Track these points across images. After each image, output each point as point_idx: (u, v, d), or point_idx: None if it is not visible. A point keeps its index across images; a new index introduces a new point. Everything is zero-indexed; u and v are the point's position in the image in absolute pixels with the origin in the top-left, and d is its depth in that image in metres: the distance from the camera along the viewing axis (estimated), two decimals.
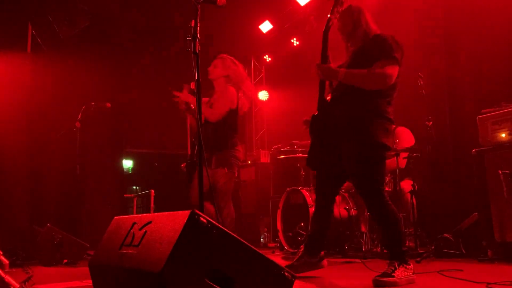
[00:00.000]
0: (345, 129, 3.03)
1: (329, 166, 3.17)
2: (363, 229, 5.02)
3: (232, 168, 4.12)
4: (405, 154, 4.76)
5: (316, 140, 3.21)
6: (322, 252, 3.31)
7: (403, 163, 4.78)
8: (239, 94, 4.23)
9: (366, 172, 2.98)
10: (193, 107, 4.12)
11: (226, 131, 4.17)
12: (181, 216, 1.88)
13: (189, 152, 5.34)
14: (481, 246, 3.99)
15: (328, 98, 3.19)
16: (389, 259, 2.96)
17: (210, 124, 4.16)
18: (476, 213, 4.23)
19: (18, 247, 5.37)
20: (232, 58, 4.37)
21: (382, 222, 3.02)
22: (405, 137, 5.04)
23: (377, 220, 3.13)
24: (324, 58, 3.07)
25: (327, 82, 3.22)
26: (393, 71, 2.92)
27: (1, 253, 4.33)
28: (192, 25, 2.87)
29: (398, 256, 2.92)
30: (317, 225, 3.30)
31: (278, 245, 5.75)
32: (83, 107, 5.68)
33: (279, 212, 5.50)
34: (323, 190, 3.26)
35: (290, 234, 5.29)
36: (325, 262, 3.31)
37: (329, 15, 3.09)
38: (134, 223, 2.16)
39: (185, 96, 4.11)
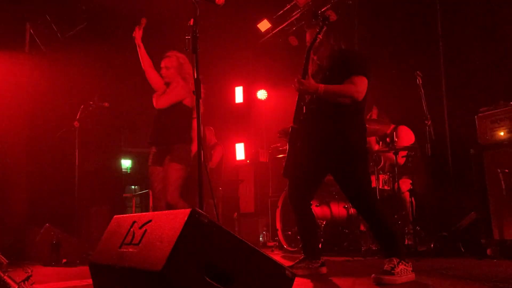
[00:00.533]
0: (326, 140, 3.19)
1: (304, 175, 3.31)
2: (362, 227, 5.03)
3: (184, 163, 4.10)
4: (404, 153, 4.78)
5: (292, 150, 3.34)
6: (323, 258, 3.34)
7: (402, 161, 4.80)
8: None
9: (354, 179, 3.10)
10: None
11: (182, 125, 4.19)
12: (181, 215, 1.88)
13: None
14: (480, 244, 4.00)
15: (304, 110, 3.33)
16: (387, 256, 2.97)
17: (168, 117, 4.19)
18: (475, 212, 4.24)
19: (17, 247, 5.37)
20: (180, 55, 4.36)
21: (373, 223, 3.10)
22: (404, 136, 5.05)
23: (368, 221, 3.20)
24: (305, 73, 3.22)
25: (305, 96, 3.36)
26: (363, 85, 3.11)
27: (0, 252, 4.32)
28: (191, 24, 2.88)
29: (396, 252, 2.94)
30: (306, 232, 3.41)
31: (277, 244, 5.76)
32: (82, 106, 5.66)
33: (278, 211, 5.51)
34: (300, 199, 3.36)
35: (289, 233, 5.30)
36: (324, 268, 3.35)
37: (316, 34, 3.21)
38: (134, 222, 2.16)
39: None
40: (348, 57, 3.23)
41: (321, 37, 3.21)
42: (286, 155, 6.19)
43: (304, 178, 3.32)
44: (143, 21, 4.23)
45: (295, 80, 3.20)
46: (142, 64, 4.35)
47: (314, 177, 3.33)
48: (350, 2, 6.57)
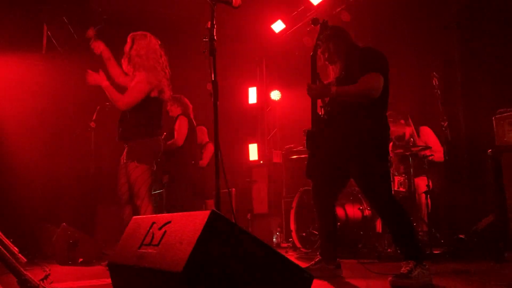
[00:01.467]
0: (346, 141, 3.16)
1: (327, 176, 3.30)
2: (377, 229, 5.00)
3: (145, 161, 3.79)
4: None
5: (313, 152, 3.34)
6: (339, 260, 3.34)
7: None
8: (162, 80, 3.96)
9: (373, 178, 3.08)
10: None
11: (140, 118, 3.85)
12: (201, 216, 1.89)
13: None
14: (498, 248, 3.95)
15: (322, 113, 3.33)
16: (405, 259, 2.95)
17: (127, 110, 3.88)
18: (493, 214, 4.20)
19: (33, 246, 5.44)
20: (146, 33, 4.07)
21: (392, 224, 3.07)
22: (431, 137, 5.07)
23: (387, 222, 3.19)
24: (314, 78, 3.24)
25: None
26: (377, 82, 3.07)
27: (18, 251, 4.39)
28: (209, 26, 2.89)
29: (414, 255, 2.92)
30: (326, 233, 3.40)
31: (291, 245, 5.76)
32: (98, 107, 5.71)
33: (292, 212, 5.50)
34: (324, 200, 3.36)
35: (304, 234, 5.29)
36: (340, 270, 3.34)
37: (316, 40, 3.28)
38: (153, 223, 2.18)
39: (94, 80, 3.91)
40: (362, 55, 3.19)
41: (320, 43, 3.27)
42: (299, 156, 6.25)
43: (328, 180, 3.32)
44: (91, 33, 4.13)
45: (306, 85, 3.21)
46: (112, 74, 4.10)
47: (337, 178, 3.32)
48: (365, 2, 6.54)
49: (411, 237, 3.00)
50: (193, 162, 5.48)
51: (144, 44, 4.01)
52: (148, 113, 3.91)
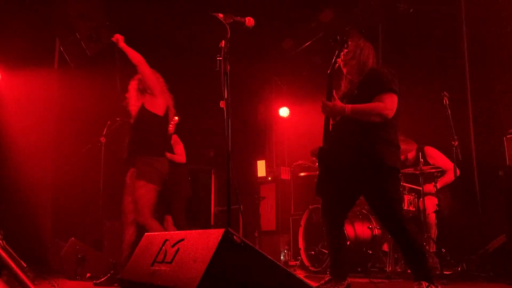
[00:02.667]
0: (357, 159, 3.14)
1: (337, 194, 3.28)
2: (386, 248, 4.96)
3: (151, 181, 3.89)
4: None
5: (324, 170, 3.31)
6: (349, 280, 3.30)
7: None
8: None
9: (385, 198, 3.07)
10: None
11: (151, 138, 4.01)
12: (214, 234, 1.90)
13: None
14: (510, 269, 3.90)
15: (333, 129, 3.32)
16: (416, 279, 2.93)
17: (138, 129, 4.06)
18: (504, 235, 4.15)
19: (42, 260, 5.44)
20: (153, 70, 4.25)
21: (404, 244, 3.05)
22: (435, 156, 5.05)
23: (398, 241, 3.16)
24: (329, 96, 3.21)
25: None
26: (392, 102, 3.06)
27: (25, 265, 4.39)
28: (222, 45, 2.93)
29: (425, 276, 2.91)
30: (336, 252, 3.36)
31: (299, 263, 5.71)
32: (108, 122, 5.75)
33: (301, 230, 5.48)
34: (333, 219, 3.32)
35: (313, 252, 5.25)
36: None
37: (334, 58, 3.25)
38: (166, 240, 2.19)
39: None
40: (377, 75, 3.18)
41: (339, 60, 3.25)
42: (308, 173, 6.23)
43: (338, 198, 3.29)
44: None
45: (321, 102, 3.20)
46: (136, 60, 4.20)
47: (347, 197, 3.30)
48: (375, 23, 6.59)
49: (423, 257, 2.98)
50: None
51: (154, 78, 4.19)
52: (157, 133, 4.05)
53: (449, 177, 5.00)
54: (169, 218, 5.82)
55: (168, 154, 5.20)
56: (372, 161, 3.09)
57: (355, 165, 3.17)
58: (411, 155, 5.21)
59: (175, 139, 5.90)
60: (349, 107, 3.10)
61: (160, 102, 4.12)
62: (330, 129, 3.31)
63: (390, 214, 3.05)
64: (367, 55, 3.29)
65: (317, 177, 3.32)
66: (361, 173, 3.13)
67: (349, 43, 3.27)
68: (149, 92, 4.15)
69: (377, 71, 3.24)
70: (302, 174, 6.56)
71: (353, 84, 3.34)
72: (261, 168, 8.48)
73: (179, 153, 5.91)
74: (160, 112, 4.09)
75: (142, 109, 4.12)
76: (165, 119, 4.12)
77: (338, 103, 3.16)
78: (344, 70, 3.37)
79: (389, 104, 3.05)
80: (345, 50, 3.25)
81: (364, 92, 3.17)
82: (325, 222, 3.36)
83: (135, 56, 4.11)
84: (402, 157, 5.23)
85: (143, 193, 3.85)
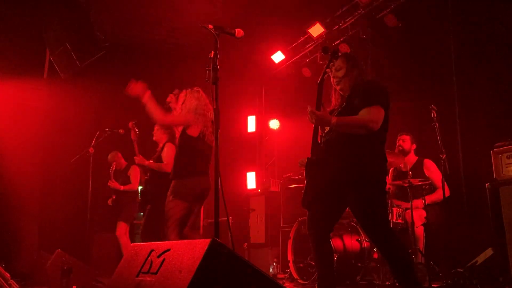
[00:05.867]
0: (343, 171, 3.14)
1: (323, 206, 3.26)
2: (375, 261, 4.95)
3: (179, 197, 4.05)
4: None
5: (310, 181, 3.30)
6: None
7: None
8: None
9: (370, 209, 3.06)
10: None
11: (183, 159, 4.17)
12: (200, 245, 1.88)
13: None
14: (498, 282, 3.92)
15: (321, 141, 3.33)
16: None
17: (177, 152, 4.25)
18: (491, 248, 4.17)
19: (28, 272, 5.36)
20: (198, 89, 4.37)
21: (390, 256, 3.05)
22: (433, 170, 5.10)
23: (384, 253, 3.15)
24: (318, 105, 3.24)
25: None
26: (378, 115, 3.06)
27: (9, 277, 4.32)
28: (212, 56, 2.94)
29: (412, 287, 2.90)
30: (323, 265, 3.33)
31: (288, 276, 5.68)
32: (97, 133, 5.73)
33: (290, 242, 5.46)
34: (319, 231, 3.30)
35: (301, 265, 5.23)
36: None
37: (324, 68, 3.30)
38: (152, 250, 2.16)
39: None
40: (365, 88, 3.20)
41: (329, 71, 3.28)
42: (298, 185, 6.23)
43: (324, 210, 3.28)
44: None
45: (308, 111, 3.17)
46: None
47: (333, 209, 3.28)
48: (364, 36, 6.67)
49: (410, 269, 2.97)
50: None
51: (195, 98, 4.28)
52: (193, 153, 4.17)
53: (438, 195, 5.04)
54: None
55: (153, 164, 5.29)
56: (357, 173, 3.09)
57: (340, 177, 3.16)
58: (410, 166, 5.24)
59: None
60: (334, 119, 3.10)
61: (193, 125, 4.21)
62: (319, 141, 3.31)
63: (377, 225, 3.05)
64: (358, 70, 3.31)
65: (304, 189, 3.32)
66: (346, 185, 3.13)
67: (339, 58, 3.30)
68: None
69: (365, 84, 3.26)
70: (292, 186, 6.56)
71: (343, 98, 3.35)
72: (251, 180, 8.47)
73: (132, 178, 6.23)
74: (194, 134, 4.18)
75: (182, 133, 4.28)
76: (202, 141, 4.20)
77: (326, 114, 3.17)
78: (338, 88, 3.37)
79: (374, 117, 3.04)
80: (336, 62, 3.27)
81: (352, 104, 3.18)
82: (311, 235, 3.34)
83: (153, 117, 4.14)
84: (399, 167, 5.27)
85: (170, 207, 4.04)
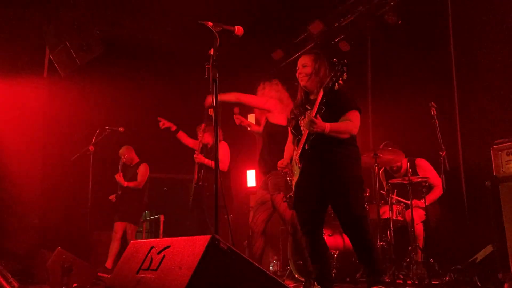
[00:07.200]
0: (325, 171, 3.30)
1: (309, 207, 3.38)
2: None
3: (284, 191, 4.01)
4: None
5: (296, 185, 3.44)
6: None
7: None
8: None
9: (346, 202, 3.23)
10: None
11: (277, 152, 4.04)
12: (200, 241, 1.89)
13: (195, 177, 5.54)
14: (497, 279, 3.92)
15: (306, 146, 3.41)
16: (371, 285, 3.16)
17: (267, 145, 4.31)
18: (491, 245, 4.17)
19: (28, 270, 5.36)
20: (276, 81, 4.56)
21: (362, 249, 3.24)
22: (426, 168, 5.10)
23: (357, 247, 3.30)
24: (317, 113, 3.25)
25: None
26: (358, 120, 3.32)
27: (10, 276, 4.33)
28: (211, 53, 2.94)
29: (380, 280, 3.17)
30: (318, 261, 3.42)
31: (288, 273, 5.69)
32: (97, 131, 5.74)
33: (289, 240, 5.45)
34: (311, 229, 3.39)
35: (301, 262, 5.22)
36: None
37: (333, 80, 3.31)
38: (152, 247, 2.17)
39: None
40: (341, 93, 3.27)
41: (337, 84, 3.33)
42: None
43: (310, 211, 3.38)
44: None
45: (307, 117, 3.26)
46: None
47: (317, 208, 3.38)
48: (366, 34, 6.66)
49: (377, 262, 3.20)
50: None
51: (274, 90, 4.56)
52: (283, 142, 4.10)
53: (435, 194, 5.05)
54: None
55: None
56: (337, 173, 3.26)
57: (322, 177, 3.30)
58: (403, 167, 5.23)
59: None
60: (327, 126, 3.17)
61: (277, 113, 4.30)
62: (306, 148, 3.34)
63: (352, 220, 3.21)
64: (324, 70, 3.41)
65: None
66: (327, 184, 3.27)
67: (307, 56, 3.50)
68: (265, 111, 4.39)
69: (339, 90, 3.21)
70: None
71: (309, 97, 3.49)
72: (251, 178, 8.46)
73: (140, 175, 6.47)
74: (282, 122, 4.22)
75: (266, 123, 4.36)
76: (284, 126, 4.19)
77: (321, 122, 3.21)
78: (302, 84, 3.50)
79: (357, 122, 3.29)
80: (344, 75, 3.27)
81: (332, 110, 3.26)
82: (305, 234, 3.44)
83: (230, 98, 4.40)
84: (394, 167, 5.27)
85: (286, 207, 3.99)
